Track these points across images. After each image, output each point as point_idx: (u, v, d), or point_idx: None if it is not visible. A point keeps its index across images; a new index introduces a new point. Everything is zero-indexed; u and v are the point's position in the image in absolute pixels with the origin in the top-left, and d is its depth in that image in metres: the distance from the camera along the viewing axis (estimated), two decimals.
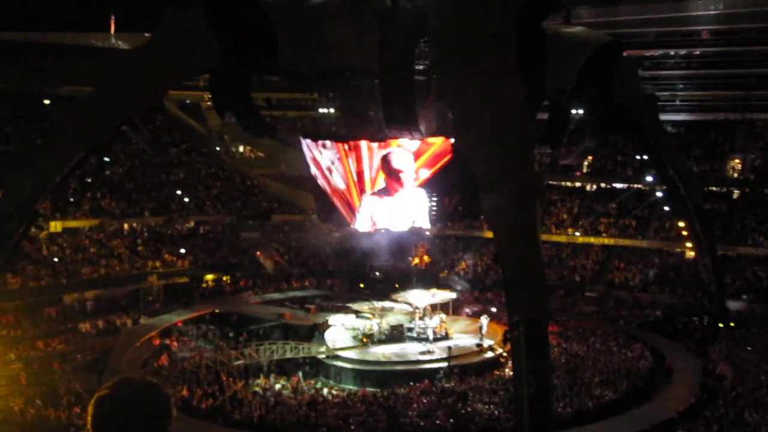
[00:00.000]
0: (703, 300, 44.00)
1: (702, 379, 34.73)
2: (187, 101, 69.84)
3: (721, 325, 40.21)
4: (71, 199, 53.63)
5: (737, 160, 58.92)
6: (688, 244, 48.40)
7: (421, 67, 22.62)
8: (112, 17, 61.93)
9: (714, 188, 56.98)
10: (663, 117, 45.81)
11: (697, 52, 60.19)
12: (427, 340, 40.51)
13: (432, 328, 41.35)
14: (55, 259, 48.97)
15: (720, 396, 31.42)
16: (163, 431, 2.99)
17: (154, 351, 39.86)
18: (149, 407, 2.96)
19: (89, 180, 56.18)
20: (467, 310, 48.10)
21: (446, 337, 40.93)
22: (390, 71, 19.51)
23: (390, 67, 19.43)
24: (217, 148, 70.45)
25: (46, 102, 59.30)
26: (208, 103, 61.56)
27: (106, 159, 57.91)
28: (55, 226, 51.05)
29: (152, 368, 36.15)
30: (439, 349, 39.38)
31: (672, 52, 61.31)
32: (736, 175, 58.66)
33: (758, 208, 54.72)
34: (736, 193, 57.39)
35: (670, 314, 47.06)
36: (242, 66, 20.70)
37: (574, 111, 27.12)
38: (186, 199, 60.99)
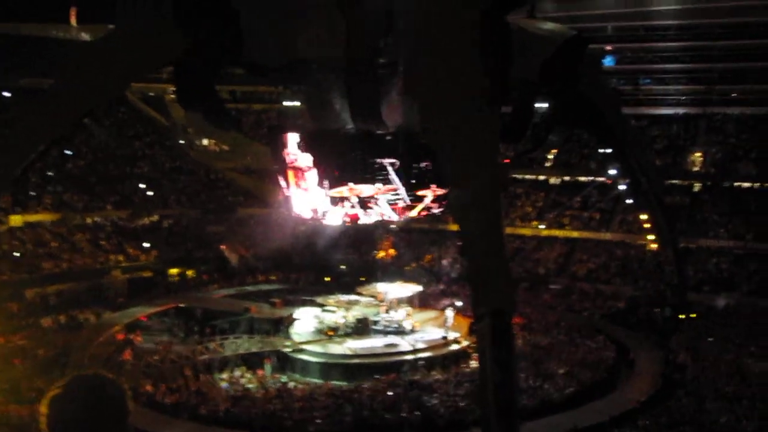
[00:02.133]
0: (665, 292, 44.73)
1: (664, 369, 35.24)
2: (151, 94, 69.12)
3: (682, 316, 40.83)
4: (32, 193, 52.83)
5: (698, 154, 59.72)
6: (651, 237, 48.98)
7: (386, 61, 22.61)
8: (74, 8, 61.03)
9: (676, 181, 57.70)
10: (626, 111, 46.31)
11: (660, 46, 60.96)
12: (398, 332, 40.64)
13: (398, 321, 41.49)
14: (16, 254, 48.24)
15: (681, 386, 31.90)
16: (120, 427, 2.94)
17: (118, 346, 39.46)
18: (104, 404, 2.90)
19: (51, 173, 55.41)
20: (433, 302, 48.27)
21: (412, 330, 41.06)
22: (356, 64, 19.46)
23: (356, 60, 19.38)
24: (181, 141, 69.83)
25: (6, 94, 58.31)
26: (172, 95, 61.00)
27: (68, 152, 57.25)
28: (16, 220, 50.29)
29: (116, 363, 35.81)
30: (404, 342, 39.52)
31: (635, 46, 62.06)
32: (697, 168, 59.44)
33: (719, 201, 55.53)
34: (697, 187, 58.17)
35: (632, 306, 47.62)
36: (206, 58, 20.50)
37: (537, 105, 27.32)
38: (150, 193, 60.39)
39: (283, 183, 26.10)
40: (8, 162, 20.98)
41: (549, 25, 24.41)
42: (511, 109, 24.70)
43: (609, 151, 35.86)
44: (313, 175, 24.99)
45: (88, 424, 2.84)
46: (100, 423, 2.86)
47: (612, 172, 55.19)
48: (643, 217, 40.36)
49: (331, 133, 23.31)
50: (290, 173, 25.30)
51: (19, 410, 28.34)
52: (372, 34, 19.72)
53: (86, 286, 48.62)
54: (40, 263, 48.54)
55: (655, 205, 29.09)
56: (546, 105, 27.69)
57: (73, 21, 60.87)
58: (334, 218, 25.34)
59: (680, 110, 62.01)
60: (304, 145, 24.43)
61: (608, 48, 61.14)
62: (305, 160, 24.77)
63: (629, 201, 52.60)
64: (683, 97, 62.16)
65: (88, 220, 55.32)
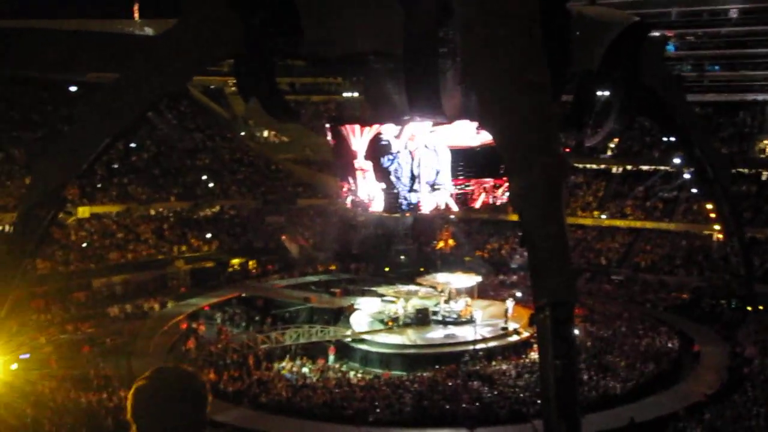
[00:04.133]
0: (731, 283, 43.59)
1: (730, 362, 34.50)
2: (212, 86, 70.19)
3: (749, 308, 39.84)
4: (98, 185, 54.09)
5: (766, 141, 58.12)
6: (716, 227, 47.93)
7: (445, 50, 22.51)
8: (137, 3, 62.23)
9: (742, 170, 56.24)
10: (690, 98, 45.31)
11: (725, 32, 59.34)
12: (458, 322, 40.57)
13: (457, 311, 41.41)
14: (84, 245, 49.47)
15: (748, 379, 31.18)
16: (200, 418, 3.07)
17: (182, 335, 40.23)
18: (187, 395, 3.03)
19: (116, 166, 56.62)
20: (492, 293, 48.03)
21: (471, 320, 40.91)
22: (414, 54, 19.43)
23: (414, 51, 19.35)
24: (242, 133, 70.73)
25: (73, 89, 59.75)
26: (233, 88, 61.78)
27: (132, 145, 58.41)
28: (83, 211, 51.53)
29: (180, 352, 36.51)
30: (463, 333, 39.41)
31: (699, 32, 60.54)
32: (764, 156, 57.87)
33: None
34: (764, 175, 56.61)
35: (697, 297, 46.70)
36: (266, 51, 20.70)
37: (599, 93, 26.91)
38: (211, 184, 61.29)
39: (343, 175, 26.13)
40: (76, 155, 21.56)
41: (610, 12, 24.04)
42: (572, 98, 24.42)
43: (673, 139, 35.04)
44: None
45: (172, 413, 2.97)
46: (183, 413, 2.99)
47: (676, 160, 54.08)
48: (709, 206, 39.49)
49: None
50: (354, 166, 24.88)
51: (88, 397, 29.09)
52: (430, 24, 19.66)
53: (151, 276, 49.60)
54: (107, 254, 49.69)
55: (721, 194, 28.47)
56: (607, 93, 27.27)
57: (137, 16, 62.07)
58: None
59: (747, 96, 60.26)
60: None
61: (671, 34, 59.76)
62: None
63: (694, 190, 51.46)
64: (749, 83, 60.39)
65: (152, 212, 56.42)
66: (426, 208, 23.65)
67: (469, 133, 23.80)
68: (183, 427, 3.01)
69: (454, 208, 25.13)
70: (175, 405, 2.99)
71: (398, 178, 22.87)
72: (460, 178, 24.19)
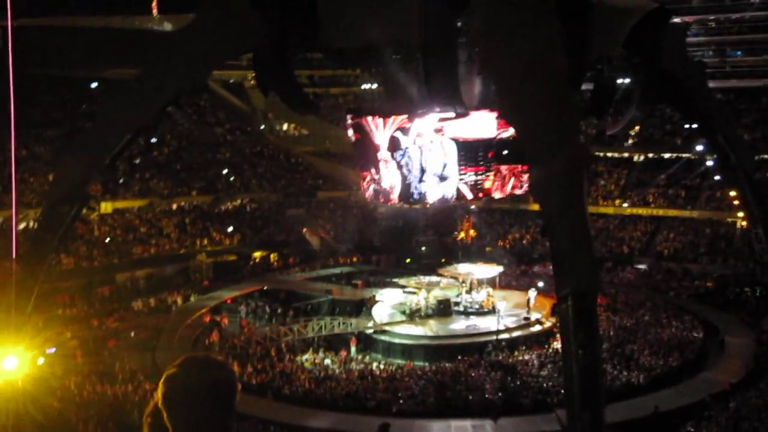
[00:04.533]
0: (755, 270, 43.28)
1: (755, 351, 34.23)
2: (231, 80, 70.36)
3: None
4: (120, 181, 54.48)
5: None
6: (740, 214, 47.52)
7: (463, 40, 22.41)
8: None
9: (766, 156, 55.62)
10: (712, 84, 44.86)
11: (747, 16, 58.62)
12: (480, 313, 40.56)
13: (479, 302, 41.38)
14: (107, 240, 49.89)
15: None
16: (230, 407, 3.11)
17: (205, 328, 40.55)
18: (216, 384, 3.07)
19: (137, 161, 56.98)
20: (514, 283, 47.96)
21: (493, 310, 40.87)
22: (432, 44, 19.35)
23: (432, 41, 19.27)
24: (262, 127, 70.95)
25: (93, 85, 60.13)
26: (252, 82, 61.89)
27: (153, 140, 58.74)
28: (106, 207, 51.94)
29: (203, 345, 36.78)
30: (486, 323, 39.38)
31: (721, 17, 59.85)
32: None
33: None
34: None
35: (721, 285, 46.37)
36: (285, 44, 20.72)
37: (620, 80, 26.70)
38: (232, 178, 61.57)
39: (366, 165, 26.15)
40: (98, 151, 21.71)
41: None
42: (592, 86, 24.27)
43: (695, 126, 34.76)
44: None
45: (202, 403, 3.01)
46: (213, 402, 3.03)
47: (698, 147, 53.64)
48: (732, 193, 39.15)
49: None
50: (378, 157, 25.04)
51: (114, 390, 29.36)
52: (448, 13, 19.57)
53: (173, 270, 49.99)
54: (130, 248, 50.07)
55: (745, 181, 28.15)
56: (628, 80, 27.05)
57: (155, 11, 62.30)
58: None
59: None
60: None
61: (692, 19, 59.10)
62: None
63: (717, 177, 51.03)
64: None
65: (174, 206, 56.76)
66: (432, 198, 23.94)
67: (476, 127, 23.93)
68: (213, 416, 3.05)
69: (469, 195, 25.17)
70: (206, 393, 3.03)
71: (409, 171, 23.43)
72: (471, 167, 24.27)
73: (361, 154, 25.61)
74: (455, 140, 23.62)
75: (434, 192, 23.83)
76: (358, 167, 26.88)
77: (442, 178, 23.75)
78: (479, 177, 24.99)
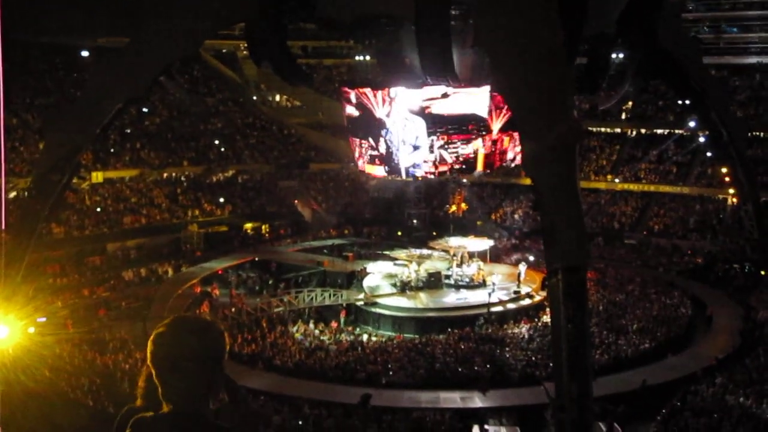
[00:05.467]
0: (744, 247, 43.53)
1: (742, 326, 34.52)
2: (224, 51, 69.85)
3: (763, 272, 39.82)
4: (112, 150, 54.24)
5: None
6: (731, 191, 47.73)
7: (457, 12, 22.32)
8: None
9: (758, 133, 55.73)
10: (707, 60, 44.77)
11: None
12: (470, 286, 40.77)
13: (470, 275, 41.55)
14: (98, 209, 49.76)
15: (760, 343, 31.20)
16: (217, 366, 3.13)
17: (196, 298, 40.64)
18: (204, 343, 3.09)
19: (129, 131, 56.70)
20: (505, 257, 48.14)
21: (484, 283, 41.06)
22: (426, 17, 19.25)
23: (426, 13, 19.18)
24: (254, 98, 70.57)
25: (84, 54, 59.60)
26: (245, 52, 61.45)
27: (145, 110, 58.39)
28: (97, 176, 51.76)
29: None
30: (476, 296, 39.56)
31: None
32: None
33: None
34: None
35: (710, 261, 46.65)
36: (279, 14, 20.59)
37: (613, 55, 26.65)
38: (223, 149, 61.37)
39: (366, 135, 26.71)
40: (89, 120, 21.61)
41: None
42: (586, 60, 24.22)
43: (687, 102, 34.78)
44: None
45: (190, 361, 3.03)
46: (200, 360, 3.05)
47: (691, 124, 53.69)
48: (723, 170, 39.28)
49: None
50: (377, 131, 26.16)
51: (104, 359, 29.48)
52: None
53: (165, 240, 49.94)
54: (121, 218, 49.97)
55: (736, 158, 28.28)
56: (622, 55, 27.04)
57: None
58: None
59: (764, 59, 59.47)
60: None
61: None
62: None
63: (709, 154, 51.15)
64: (767, 46, 59.54)
65: (165, 176, 56.56)
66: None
67: (460, 105, 25.05)
68: (202, 374, 3.07)
69: (448, 159, 25.82)
70: (194, 352, 3.05)
71: (392, 143, 25.47)
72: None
73: (359, 126, 26.15)
74: (437, 115, 24.66)
75: (409, 159, 25.39)
76: (358, 136, 27.39)
77: (415, 147, 25.06)
78: (462, 144, 25.60)
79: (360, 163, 27.23)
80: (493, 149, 27.39)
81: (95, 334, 33.56)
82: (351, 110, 26.73)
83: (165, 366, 3.07)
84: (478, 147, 25.43)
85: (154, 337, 3.10)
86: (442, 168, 25.36)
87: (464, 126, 24.94)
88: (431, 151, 25.17)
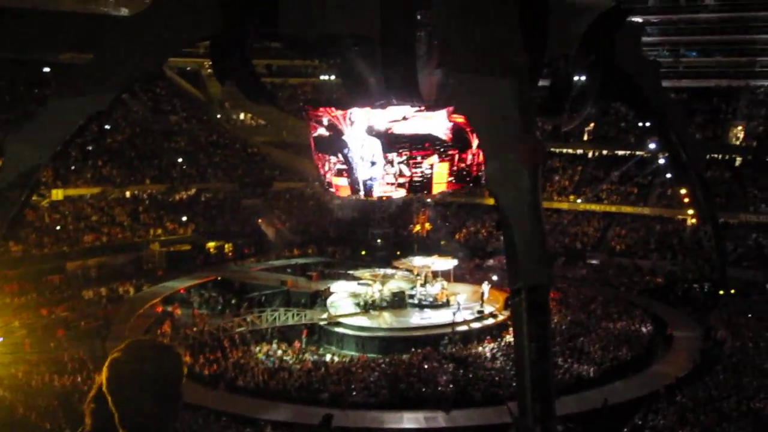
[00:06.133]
0: (704, 267, 44.16)
1: (702, 345, 34.96)
2: (188, 68, 69.54)
3: (721, 292, 40.39)
4: (72, 167, 53.54)
5: (740, 127, 58.76)
6: (690, 211, 48.43)
7: (422, 33, 22.47)
8: None
9: (716, 155, 56.81)
10: (666, 83, 45.58)
11: (702, 18, 59.74)
12: (434, 306, 40.83)
13: (434, 295, 41.60)
14: (58, 227, 49.01)
15: (719, 362, 31.61)
16: (175, 391, 3.06)
17: (157, 318, 40.12)
18: (161, 368, 3.02)
19: (90, 148, 56.05)
20: (469, 276, 48.28)
21: (447, 303, 41.12)
22: (391, 37, 19.36)
23: (391, 33, 19.28)
24: (218, 116, 70.27)
25: (46, 69, 58.96)
26: (209, 70, 61.35)
27: (107, 127, 57.84)
28: (57, 194, 50.98)
29: (155, 335, 36.37)
30: (440, 316, 39.60)
31: (675, 18, 60.94)
32: (738, 142, 58.51)
33: (760, 176, 54.65)
34: (738, 161, 57.30)
35: (671, 281, 47.26)
36: (243, 32, 20.56)
37: (576, 78, 27.00)
38: (187, 167, 60.92)
39: (335, 152, 27.03)
40: (49, 137, 21.31)
41: None
42: (548, 82, 24.49)
43: (648, 124, 35.38)
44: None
45: (146, 387, 2.96)
46: (157, 386, 2.98)
47: (651, 145, 54.51)
48: (683, 191, 39.86)
49: None
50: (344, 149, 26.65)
51: (63, 381, 28.96)
52: (407, 6, 19.61)
53: (126, 259, 49.31)
54: (81, 236, 49.26)
55: (695, 179, 28.68)
56: (584, 78, 27.40)
57: None
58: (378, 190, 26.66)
59: (721, 83, 60.79)
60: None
61: (648, 19, 59.97)
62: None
63: (668, 175, 51.97)
64: (725, 70, 60.90)
65: (127, 194, 55.94)
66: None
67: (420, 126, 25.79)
68: (158, 401, 3.00)
69: (407, 173, 26.16)
70: (150, 378, 2.98)
71: (352, 159, 25.91)
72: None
73: (329, 144, 26.55)
74: (396, 134, 25.45)
75: (366, 173, 26.00)
76: (327, 152, 27.75)
77: (372, 163, 25.74)
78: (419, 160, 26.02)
79: (328, 176, 27.50)
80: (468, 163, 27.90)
81: (53, 354, 32.96)
82: (322, 131, 27.04)
83: (121, 392, 2.99)
84: (434, 162, 25.84)
85: (109, 362, 3.03)
86: (401, 179, 25.79)
87: (421, 144, 25.42)
88: (392, 166, 25.54)
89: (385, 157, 25.87)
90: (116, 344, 3.15)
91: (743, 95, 59.62)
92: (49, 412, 25.00)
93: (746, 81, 59.60)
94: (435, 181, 26.49)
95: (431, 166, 26.11)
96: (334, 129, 26.49)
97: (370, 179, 26.32)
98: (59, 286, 44.17)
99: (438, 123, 25.54)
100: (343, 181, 27.37)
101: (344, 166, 26.81)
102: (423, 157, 26.00)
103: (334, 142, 26.66)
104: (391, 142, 25.63)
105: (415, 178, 26.29)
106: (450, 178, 26.75)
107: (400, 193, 26.58)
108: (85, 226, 50.41)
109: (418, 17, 20.84)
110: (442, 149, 25.75)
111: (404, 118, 25.06)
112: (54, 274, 44.86)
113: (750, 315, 39.21)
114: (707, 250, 38.48)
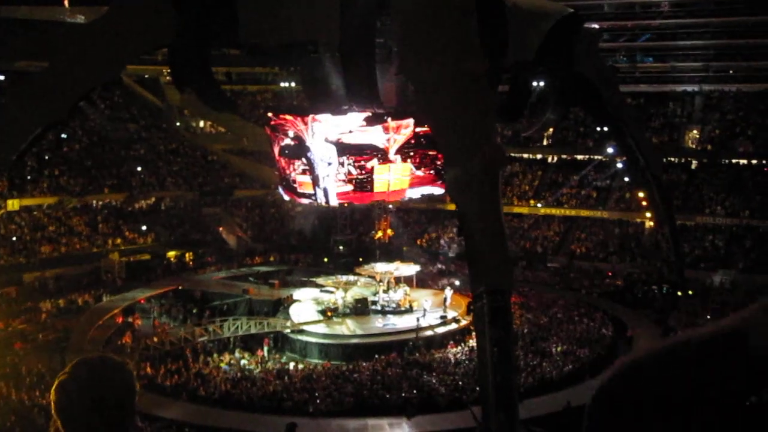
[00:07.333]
0: (662, 269, 44.77)
1: None
2: (146, 76, 68.79)
3: (679, 293, 40.96)
4: (29, 177, 52.64)
5: (695, 131, 59.76)
6: (648, 214, 49.13)
7: (382, 40, 22.56)
8: None
9: (673, 159, 57.72)
10: (623, 88, 46.24)
11: (656, 24, 60.79)
12: (397, 312, 40.88)
13: (396, 301, 41.62)
14: (14, 238, 48.16)
15: None
16: (128, 408, 2.97)
17: (117, 329, 39.61)
18: (110, 386, 2.92)
19: (47, 157, 55.14)
20: (431, 282, 48.38)
21: (410, 309, 41.17)
22: (351, 44, 19.40)
23: (351, 40, 19.32)
24: (177, 124, 69.60)
25: (0, 78, 57.97)
26: (168, 77, 60.73)
27: (64, 135, 57.01)
28: (13, 204, 50.06)
29: (116, 346, 35.92)
30: (402, 322, 39.63)
31: (630, 24, 61.96)
32: (694, 145, 59.45)
33: (715, 179, 55.62)
34: (694, 164, 58.26)
35: (630, 283, 47.87)
36: (202, 39, 20.44)
37: (534, 83, 27.30)
38: (146, 176, 60.26)
39: (298, 156, 27.75)
40: (4, 146, 20.95)
41: (544, 3, 24.31)
42: (507, 88, 24.72)
43: (606, 129, 35.81)
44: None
45: (95, 407, 2.87)
46: (107, 405, 2.89)
47: (609, 150, 55.19)
48: (641, 194, 40.46)
49: None
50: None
51: (20, 394, 28.44)
52: (367, 14, 19.65)
53: (84, 269, 48.60)
54: (38, 247, 48.48)
55: (652, 182, 29.13)
56: (543, 83, 27.70)
57: (66, 2, 60.46)
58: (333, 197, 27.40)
59: (677, 87, 61.89)
60: None
61: (605, 25, 60.83)
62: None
63: (626, 179, 52.70)
64: (680, 75, 62.01)
65: (85, 204, 55.15)
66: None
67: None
68: (110, 422, 2.92)
69: (354, 172, 27.64)
70: (99, 397, 2.90)
71: (314, 160, 27.13)
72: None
73: (293, 150, 27.28)
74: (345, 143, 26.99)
75: (324, 171, 27.20)
76: (292, 157, 28.51)
77: (329, 164, 27.10)
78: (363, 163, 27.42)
79: (292, 174, 28.08)
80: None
81: (10, 368, 32.33)
82: (288, 141, 27.69)
83: (71, 416, 2.90)
84: (374, 165, 26.89)
85: (56, 385, 2.93)
86: (350, 177, 27.16)
87: (364, 151, 26.20)
88: (343, 166, 26.69)
89: (338, 160, 26.52)
90: (75, 356, 3.08)
91: (698, 100, 60.73)
92: (6, 427, 24.54)
93: (701, 86, 60.72)
94: (385, 181, 27.57)
95: (371, 169, 27.02)
96: (299, 139, 27.05)
97: (327, 175, 27.19)
98: (16, 299, 43.32)
99: (376, 135, 26.43)
100: (306, 178, 27.82)
101: (307, 167, 27.36)
102: (365, 161, 26.84)
103: (300, 149, 27.22)
104: (342, 148, 26.31)
105: (360, 177, 27.04)
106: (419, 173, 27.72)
107: (348, 188, 27.41)
108: (42, 237, 49.62)
109: (378, 24, 20.91)
110: (379, 155, 26.50)
111: (350, 132, 26.54)
112: (10, 285, 44.00)
113: (708, 316, 39.81)
114: (665, 252, 39.01)
